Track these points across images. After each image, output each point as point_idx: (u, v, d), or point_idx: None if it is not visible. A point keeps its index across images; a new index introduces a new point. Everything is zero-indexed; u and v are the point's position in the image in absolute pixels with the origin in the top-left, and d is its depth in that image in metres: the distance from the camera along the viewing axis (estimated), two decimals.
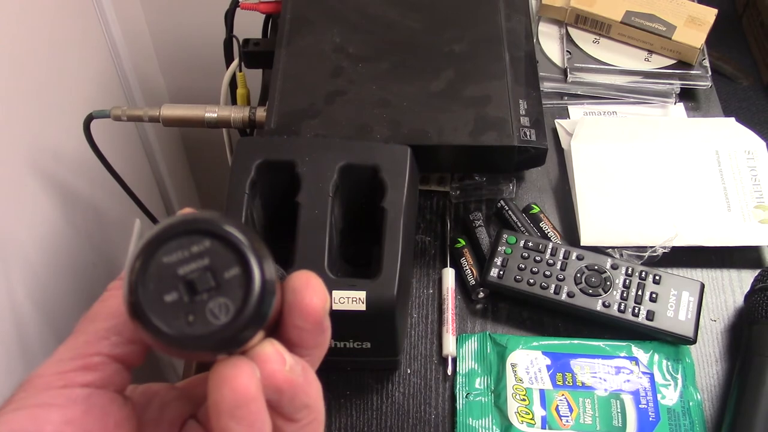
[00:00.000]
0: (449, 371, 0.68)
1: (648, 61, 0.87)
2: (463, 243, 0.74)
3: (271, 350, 0.27)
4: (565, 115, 0.86)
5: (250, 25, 0.91)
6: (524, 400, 0.64)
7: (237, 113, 0.76)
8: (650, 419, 0.63)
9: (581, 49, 0.88)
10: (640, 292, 0.68)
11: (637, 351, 0.67)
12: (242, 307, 0.26)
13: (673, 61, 0.86)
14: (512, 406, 0.63)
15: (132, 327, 0.26)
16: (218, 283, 0.26)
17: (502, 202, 0.77)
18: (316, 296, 0.28)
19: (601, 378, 0.65)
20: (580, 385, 0.65)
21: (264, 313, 0.26)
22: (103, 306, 0.29)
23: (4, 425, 0.26)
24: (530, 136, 0.72)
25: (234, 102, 0.88)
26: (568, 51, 0.88)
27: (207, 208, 0.31)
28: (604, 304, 0.68)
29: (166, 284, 0.26)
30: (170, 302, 0.26)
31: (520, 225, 0.75)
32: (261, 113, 0.75)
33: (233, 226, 0.26)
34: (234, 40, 0.86)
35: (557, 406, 0.63)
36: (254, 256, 0.26)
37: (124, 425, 0.29)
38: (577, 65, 0.86)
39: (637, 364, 0.66)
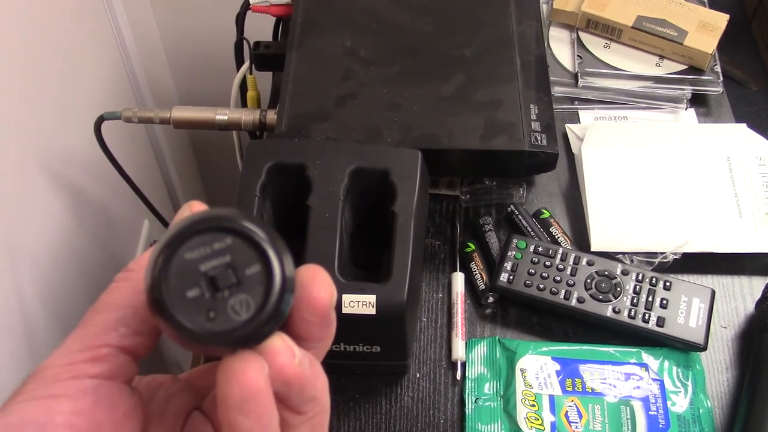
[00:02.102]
0: (458, 376, 0.67)
1: (659, 66, 0.86)
2: (473, 247, 0.74)
3: (280, 344, 0.27)
4: (576, 119, 0.85)
5: (260, 27, 0.91)
6: (533, 405, 0.64)
7: (247, 116, 0.76)
8: (660, 426, 0.63)
9: (592, 53, 0.88)
10: (650, 298, 0.68)
11: (647, 357, 0.67)
12: (263, 304, 0.26)
13: (685, 67, 0.86)
14: (521, 412, 0.63)
15: (153, 322, 0.27)
16: (239, 279, 0.26)
17: (512, 206, 0.76)
18: (324, 290, 0.28)
19: (610, 384, 0.65)
20: (590, 391, 0.64)
21: (284, 310, 0.26)
22: (110, 297, 0.29)
23: (15, 415, 0.27)
24: (541, 140, 0.71)
25: (244, 105, 0.88)
26: (579, 56, 0.87)
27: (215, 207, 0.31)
28: (614, 310, 0.68)
29: (188, 280, 0.26)
30: (192, 298, 0.26)
31: (530, 230, 0.74)
32: (271, 116, 0.75)
33: (254, 224, 0.27)
34: (245, 43, 0.86)
35: (566, 412, 0.63)
36: (275, 254, 0.26)
37: (132, 416, 0.29)
38: (588, 70, 0.86)
39: (647, 370, 0.66)
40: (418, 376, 0.68)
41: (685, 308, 0.67)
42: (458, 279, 0.72)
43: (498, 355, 0.68)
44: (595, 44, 0.89)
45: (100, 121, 0.79)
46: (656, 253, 0.72)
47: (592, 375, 0.65)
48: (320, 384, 0.29)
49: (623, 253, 0.73)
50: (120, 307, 0.29)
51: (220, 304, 0.26)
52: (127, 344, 0.29)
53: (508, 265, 0.70)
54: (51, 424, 0.26)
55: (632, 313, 0.67)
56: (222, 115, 0.76)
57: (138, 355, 0.29)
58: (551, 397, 0.64)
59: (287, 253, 0.27)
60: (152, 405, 0.31)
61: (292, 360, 0.27)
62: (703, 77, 0.85)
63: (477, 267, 0.73)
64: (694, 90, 0.85)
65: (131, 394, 0.29)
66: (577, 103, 0.86)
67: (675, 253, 0.72)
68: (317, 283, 0.28)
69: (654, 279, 0.69)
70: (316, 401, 0.29)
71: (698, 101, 0.87)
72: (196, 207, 0.30)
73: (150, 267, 0.26)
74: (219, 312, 0.26)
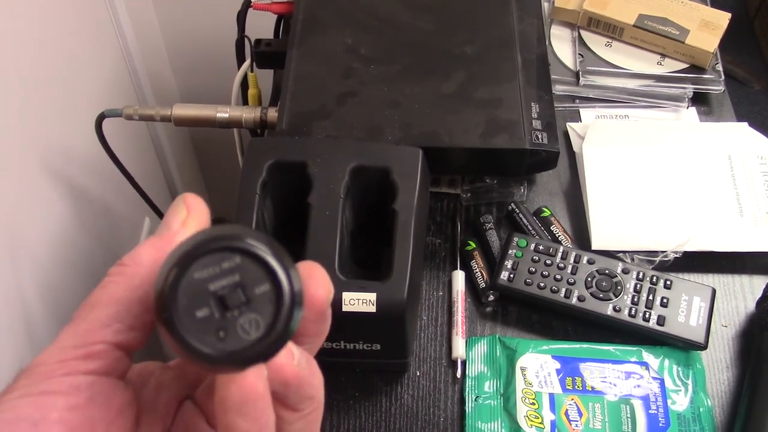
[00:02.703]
0: (458, 374, 0.67)
1: (660, 64, 0.86)
2: (474, 246, 0.74)
3: None
4: (577, 118, 0.85)
5: (262, 25, 0.91)
6: (533, 404, 0.64)
7: (248, 113, 0.76)
8: (660, 425, 0.63)
9: (594, 52, 0.88)
10: (651, 297, 0.68)
11: (647, 356, 0.67)
12: (273, 323, 0.26)
13: (686, 65, 0.86)
14: (521, 410, 0.63)
15: (150, 318, 0.27)
16: (249, 298, 0.26)
17: (512, 205, 0.76)
18: (321, 287, 0.28)
19: (611, 383, 0.65)
20: (590, 389, 0.64)
21: (293, 327, 0.27)
22: (103, 292, 0.29)
23: (9, 412, 0.27)
24: (542, 139, 0.71)
25: (245, 102, 0.88)
26: (580, 54, 0.87)
27: (216, 209, 0.31)
28: (614, 309, 0.68)
29: (198, 300, 0.26)
30: (201, 318, 0.26)
31: (530, 228, 0.74)
32: (272, 114, 0.75)
33: (263, 243, 0.27)
34: (246, 41, 0.86)
35: (567, 410, 0.63)
36: (284, 272, 0.26)
37: (125, 411, 0.29)
38: (590, 68, 0.86)
39: (647, 369, 0.66)
40: (418, 374, 0.68)
41: (686, 307, 0.67)
42: (459, 277, 0.72)
43: (498, 354, 0.68)
44: (596, 42, 0.89)
45: (101, 118, 0.79)
46: (657, 251, 0.72)
47: (593, 373, 0.65)
48: (317, 382, 0.29)
49: (624, 252, 0.73)
50: (114, 302, 0.29)
51: (230, 323, 0.26)
52: (121, 340, 0.29)
53: (509, 264, 0.70)
54: (44, 421, 0.26)
55: (633, 312, 0.67)
56: (223, 113, 0.76)
57: (131, 350, 0.29)
58: (551, 396, 0.64)
59: (294, 269, 0.27)
60: (144, 395, 0.31)
61: (291, 360, 0.27)
62: (704, 76, 0.85)
63: (477, 265, 0.73)
64: (695, 89, 0.85)
65: (125, 389, 0.29)
66: (578, 101, 0.86)
67: (676, 252, 0.72)
68: (314, 281, 0.28)
69: (655, 278, 0.69)
70: (313, 399, 0.29)
71: (700, 100, 0.87)
72: (190, 200, 0.30)
73: (159, 286, 0.26)
74: (229, 332, 0.26)
